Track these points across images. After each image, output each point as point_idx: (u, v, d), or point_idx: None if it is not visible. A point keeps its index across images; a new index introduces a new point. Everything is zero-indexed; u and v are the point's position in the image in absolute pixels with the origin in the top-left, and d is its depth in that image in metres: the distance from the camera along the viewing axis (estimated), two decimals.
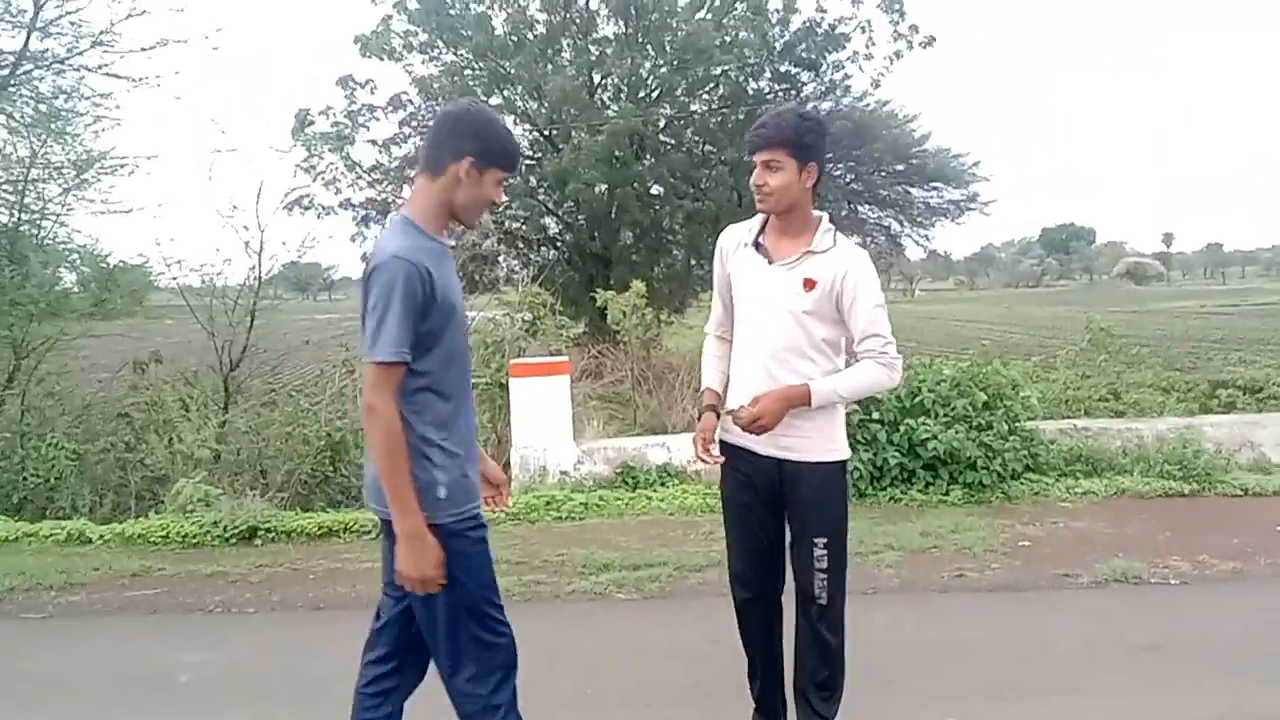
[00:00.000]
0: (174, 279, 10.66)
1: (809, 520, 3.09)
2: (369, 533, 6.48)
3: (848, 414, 6.83)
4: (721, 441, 3.22)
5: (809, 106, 24.00)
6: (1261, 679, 3.86)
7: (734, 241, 3.23)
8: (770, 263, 3.08)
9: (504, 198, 2.77)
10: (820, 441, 3.07)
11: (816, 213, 3.13)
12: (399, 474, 2.50)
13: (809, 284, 3.00)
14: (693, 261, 23.00)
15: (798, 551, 3.13)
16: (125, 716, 3.86)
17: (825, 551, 3.06)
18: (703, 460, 3.14)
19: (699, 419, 3.24)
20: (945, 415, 7.06)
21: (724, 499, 3.30)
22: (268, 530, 6.47)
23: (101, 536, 6.54)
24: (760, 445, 3.07)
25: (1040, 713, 3.61)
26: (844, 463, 3.14)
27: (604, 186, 21.70)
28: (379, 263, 2.50)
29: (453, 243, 2.65)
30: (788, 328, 3.03)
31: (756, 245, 3.13)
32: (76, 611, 5.27)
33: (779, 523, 3.19)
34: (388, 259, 2.49)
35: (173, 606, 5.29)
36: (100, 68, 11.89)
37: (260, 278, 10.42)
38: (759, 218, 3.17)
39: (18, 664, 4.61)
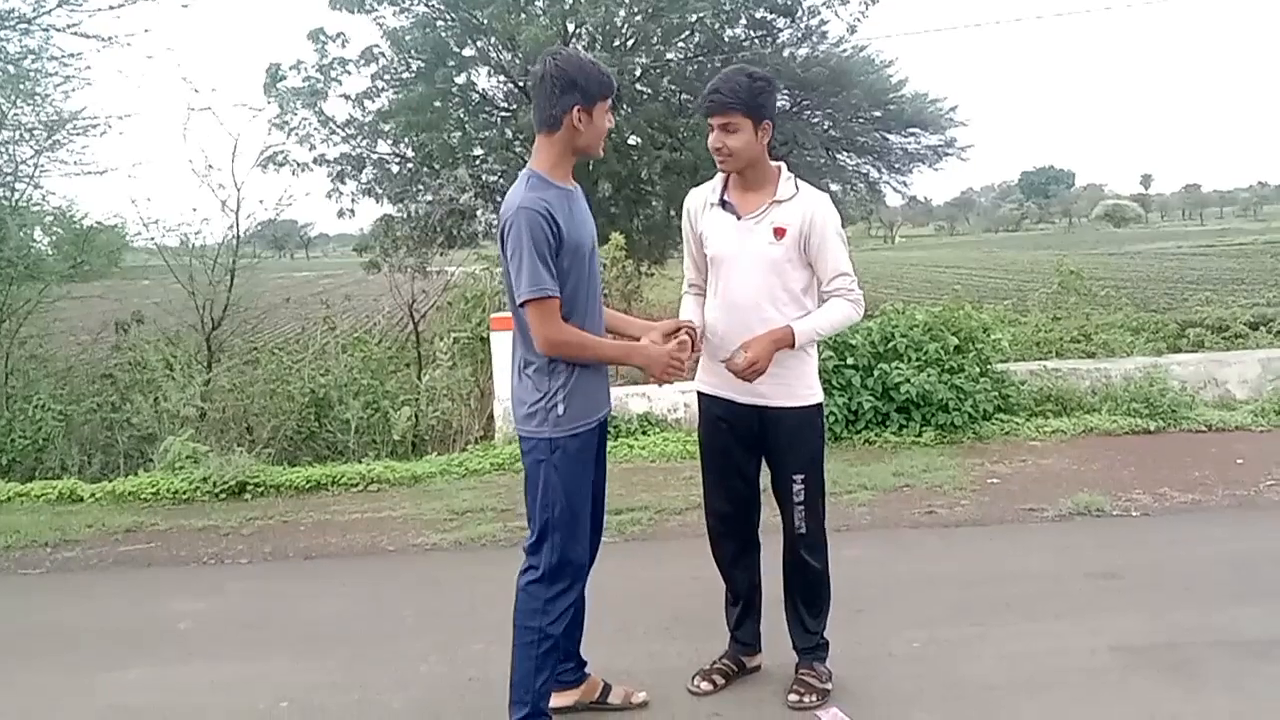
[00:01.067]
0: (151, 239, 10.67)
1: (788, 459, 3.27)
2: (356, 485, 6.65)
3: (821, 360, 6.99)
4: (699, 392, 3.40)
5: (785, 53, 23.92)
6: (1208, 602, 4.06)
7: (700, 202, 3.36)
8: (739, 218, 3.22)
9: (614, 120, 3.01)
10: (796, 388, 3.24)
11: (774, 163, 3.26)
12: (614, 356, 3.02)
13: (779, 232, 3.14)
14: (671, 213, 22.97)
15: (778, 488, 3.32)
16: (126, 664, 4.00)
17: (803, 486, 3.26)
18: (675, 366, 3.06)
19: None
20: (918, 359, 7.23)
21: (702, 443, 3.48)
22: (256, 485, 6.60)
23: (93, 494, 6.66)
24: (739, 394, 3.23)
25: (1002, 636, 3.80)
26: (819, 405, 3.31)
27: None
28: (508, 217, 2.80)
29: (570, 186, 2.97)
30: (764, 277, 3.17)
31: (723, 204, 3.26)
32: (72, 567, 5.41)
33: (756, 463, 3.37)
34: (514, 211, 2.79)
35: (167, 560, 5.43)
36: (68, 27, 11.73)
37: (238, 236, 10.46)
38: (720, 177, 3.30)
39: (17, 618, 4.75)
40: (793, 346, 3.13)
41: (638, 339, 3.12)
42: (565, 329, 2.83)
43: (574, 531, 2.94)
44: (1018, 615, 4.01)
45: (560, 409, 2.87)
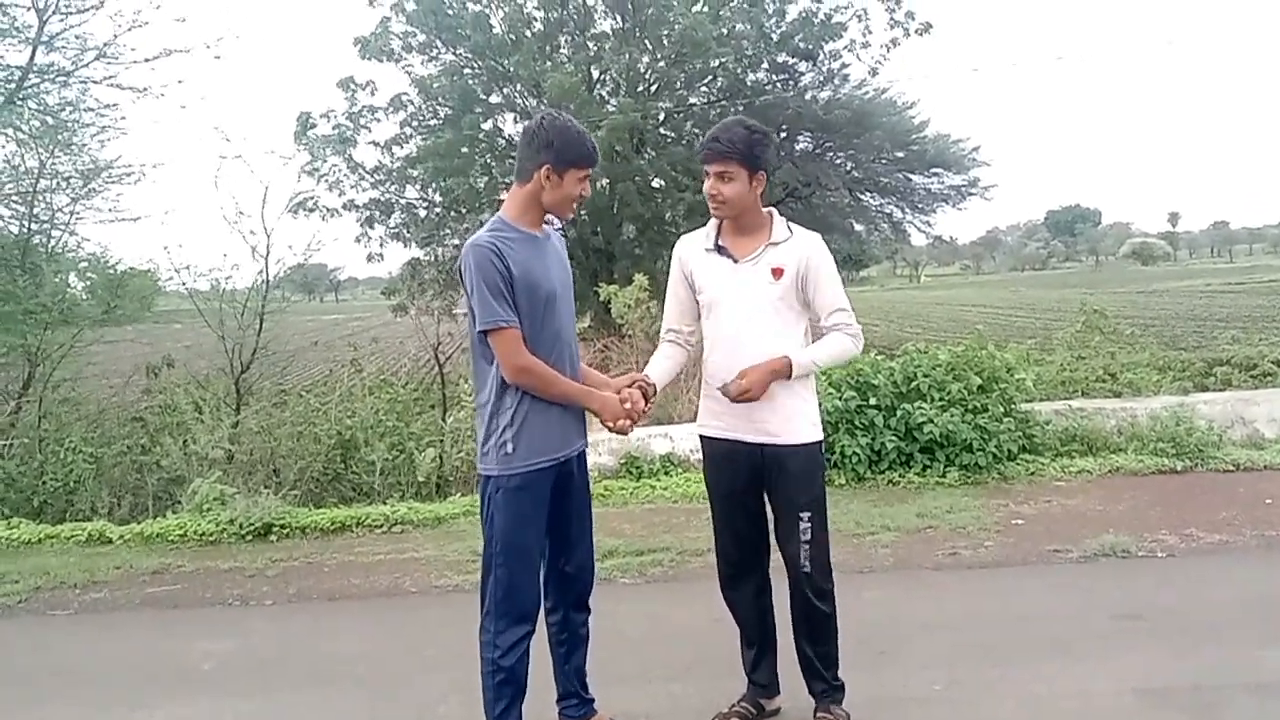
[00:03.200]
0: (183, 284, 10.85)
1: (792, 497, 3.29)
2: (380, 526, 6.69)
3: (843, 399, 6.97)
4: (703, 435, 3.45)
5: (807, 96, 24.11)
6: (1234, 644, 4.01)
7: (693, 249, 3.41)
8: (736, 261, 3.28)
9: (589, 191, 3.13)
10: (798, 425, 3.27)
11: (766, 209, 3.34)
12: (568, 394, 3.05)
13: (777, 272, 3.22)
14: None
15: (782, 526, 3.33)
16: (152, 704, 4.04)
17: (809, 525, 3.27)
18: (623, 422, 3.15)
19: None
20: (941, 399, 7.22)
21: (709, 486, 3.51)
22: (282, 526, 6.67)
23: (121, 536, 6.75)
24: (742, 434, 3.28)
25: (1024, 678, 3.76)
26: (820, 442, 3.34)
27: (605, 181, 21.85)
28: (462, 254, 2.97)
29: (559, 227, 3.22)
30: (763, 317, 3.23)
31: (719, 249, 3.32)
32: (100, 608, 5.47)
33: (761, 503, 3.39)
34: (466, 249, 2.96)
35: (193, 601, 5.49)
36: (105, 79, 12.06)
37: (268, 281, 10.61)
38: (713, 223, 3.37)
39: (46, 659, 4.80)
40: (789, 377, 3.18)
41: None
42: (529, 357, 2.94)
43: (518, 569, 3.02)
44: (1041, 657, 3.98)
45: (509, 448, 2.97)
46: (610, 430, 3.16)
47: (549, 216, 3.14)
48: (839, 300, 3.27)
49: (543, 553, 3.15)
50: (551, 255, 3.10)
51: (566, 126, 3.00)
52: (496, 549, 3.02)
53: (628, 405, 3.12)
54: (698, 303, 3.40)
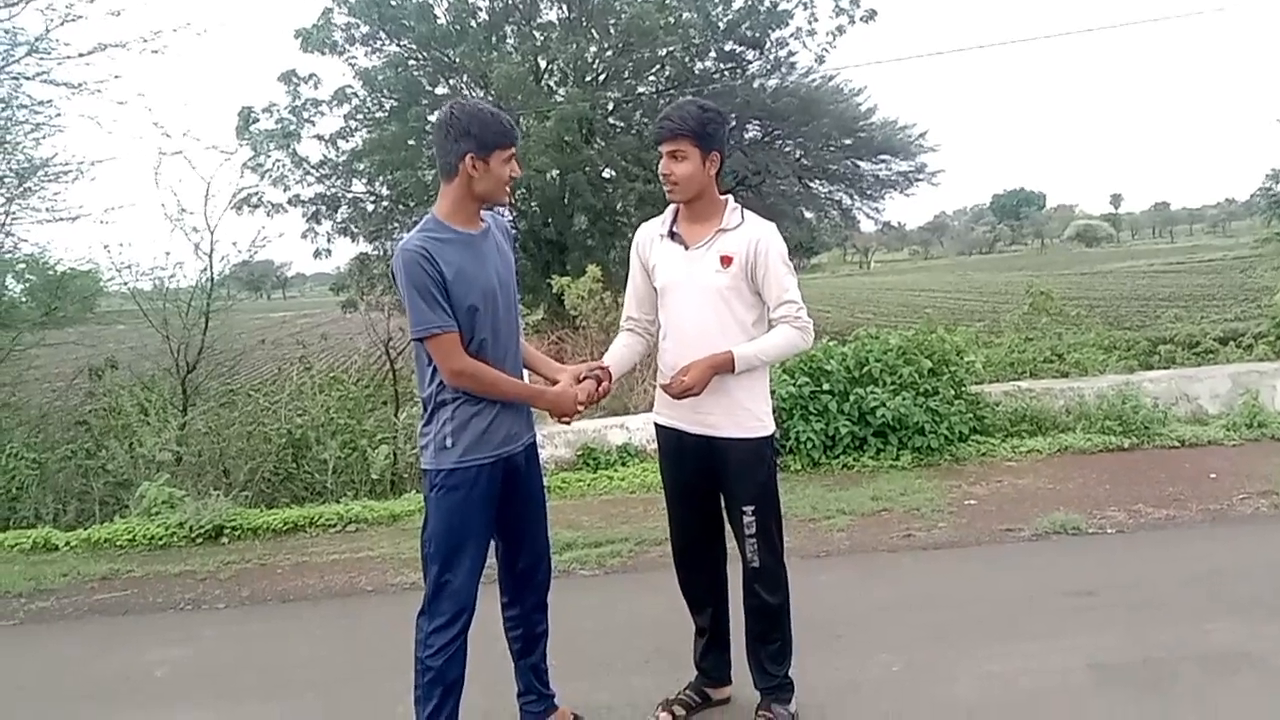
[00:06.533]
0: (125, 284, 10.63)
1: (737, 491, 3.28)
2: (334, 526, 6.61)
3: (797, 385, 7.00)
4: (657, 424, 3.42)
5: (755, 84, 24.20)
6: (1183, 617, 4.10)
7: (649, 236, 3.40)
8: (687, 248, 3.25)
9: (519, 170, 3.04)
10: (744, 419, 3.24)
11: (722, 196, 3.31)
12: (515, 394, 3.02)
13: (725, 260, 3.17)
14: None
15: (731, 519, 3.33)
16: (103, 714, 3.96)
17: (754, 518, 3.25)
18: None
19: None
20: (893, 383, 7.28)
21: (663, 477, 3.51)
22: (234, 528, 6.56)
23: (68, 543, 6.60)
24: (689, 425, 3.27)
25: (980, 657, 3.81)
26: (768, 437, 3.31)
27: (555, 172, 21.78)
28: (393, 260, 2.91)
29: (508, 218, 3.03)
30: (712, 306, 3.19)
31: (671, 235, 3.30)
32: (47, 617, 5.34)
33: (714, 495, 3.38)
34: (396, 253, 2.90)
35: (143, 607, 5.38)
36: (38, 75, 11.73)
37: (212, 279, 10.43)
38: (670, 210, 3.35)
39: None
40: (733, 370, 3.14)
41: (550, 378, 3.21)
42: (467, 361, 2.89)
43: (453, 566, 2.97)
44: (995, 636, 4.03)
45: (449, 442, 2.94)
46: (562, 422, 3.14)
47: (489, 205, 3.06)
48: (787, 291, 3.19)
49: (485, 551, 3.08)
50: (489, 250, 3.02)
51: (478, 110, 2.94)
52: (431, 548, 2.98)
53: (580, 399, 3.09)
54: (655, 290, 3.38)
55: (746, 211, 3.30)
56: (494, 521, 3.08)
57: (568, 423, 3.15)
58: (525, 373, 3.23)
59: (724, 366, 3.13)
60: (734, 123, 23.26)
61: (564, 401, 3.09)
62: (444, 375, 2.90)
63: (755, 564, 3.27)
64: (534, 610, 3.25)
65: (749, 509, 3.25)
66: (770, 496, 3.31)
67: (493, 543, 3.16)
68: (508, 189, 3.04)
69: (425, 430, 3.00)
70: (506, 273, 3.07)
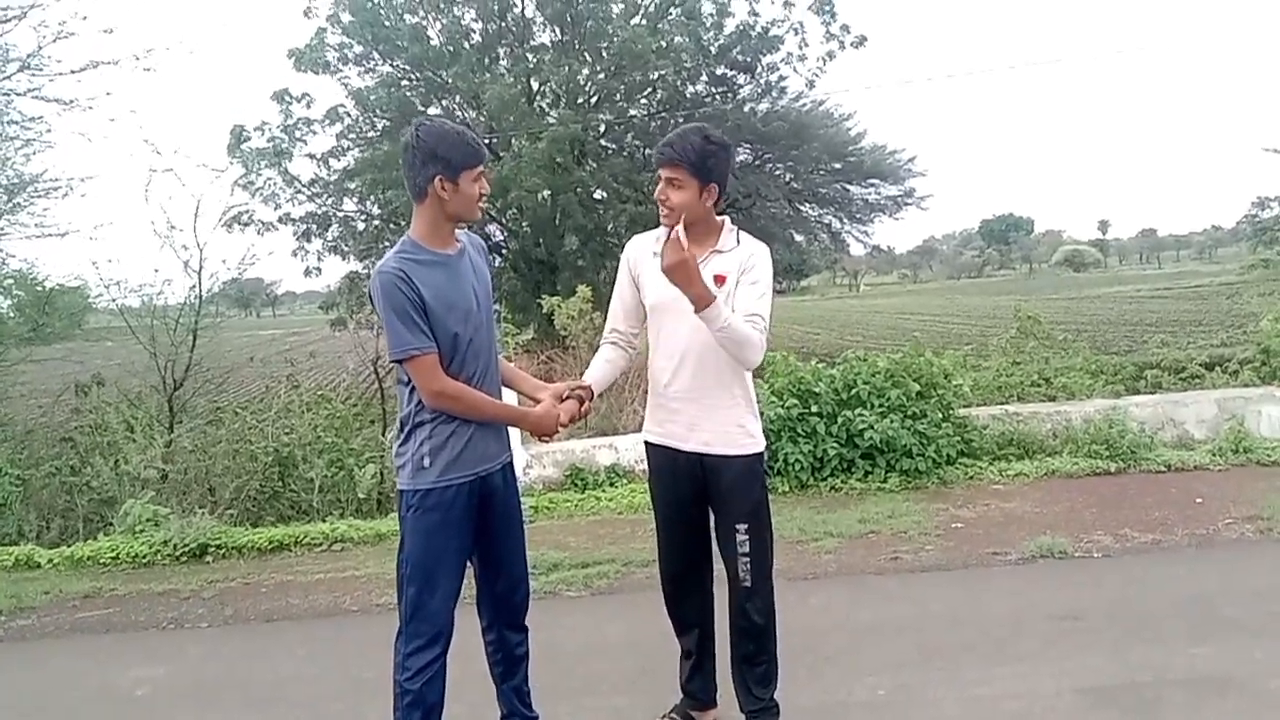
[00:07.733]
0: (113, 300, 10.62)
1: (730, 509, 3.27)
2: (319, 545, 6.57)
3: (785, 407, 7.00)
4: (647, 442, 3.41)
5: (746, 108, 24.33)
6: (1169, 641, 4.10)
7: (642, 251, 3.36)
8: None
9: (488, 187, 3.03)
10: (737, 436, 3.24)
11: (719, 218, 3.28)
12: (497, 415, 3.04)
13: (719, 280, 3.14)
14: None
15: (722, 538, 3.31)
16: None
17: (746, 537, 3.24)
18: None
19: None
20: (881, 406, 7.29)
21: (653, 496, 3.49)
22: (218, 547, 6.51)
23: (50, 560, 6.55)
24: (681, 443, 3.26)
25: (966, 680, 3.81)
26: (760, 454, 3.30)
27: (546, 193, 21.83)
28: (371, 280, 2.90)
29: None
30: (705, 327, 3.12)
31: None
32: (29, 635, 5.30)
33: (704, 513, 3.36)
34: (374, 276, 2.88)
35: (126, 625, 5.33)
36: (29, 91, 11.77)
37: (201, 296, 10.43)
38: (664, 228, 3.27)
39: None
40: (708, 305, 2.92)
41: (532, 397, 3.20)
42: (447, 382, 2.88)
43: (429, 588, 2.94)
44: (982, 659, 4.03)
45: (426, 462, 2.92)
46: (542, 441, 3.14)
47: (463, 224, 3.05)
48: (759, 307, 3.10)
49: (462, 571, 3.04)
50: (465, 270, 3.00)
51: (444, 131, 2.90)
52: (408, 569, 2.95)
53: (563, 420, 3.09)
54: (643, 305, 3.36)
55: (743, 234, 3.27)
56: (471, 542, 3.05)
57: (548, 440, 3.12)
58: (506, 391, 3.22)
59: (703, 297, 2.92)
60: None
61: (547, 422, 3.08)
62: (424, 396, 2.88)
63: (747, 583, 3.26)
64: (513, 633, 3.22)
65: (742, 527, 3.24)
66: (763, 515, 3.30)
67: (471, 566, 3.13)
68: (480, 206, 3.02)
69: (401, 450, 2.99)
70: (483, 291, 3.06)
